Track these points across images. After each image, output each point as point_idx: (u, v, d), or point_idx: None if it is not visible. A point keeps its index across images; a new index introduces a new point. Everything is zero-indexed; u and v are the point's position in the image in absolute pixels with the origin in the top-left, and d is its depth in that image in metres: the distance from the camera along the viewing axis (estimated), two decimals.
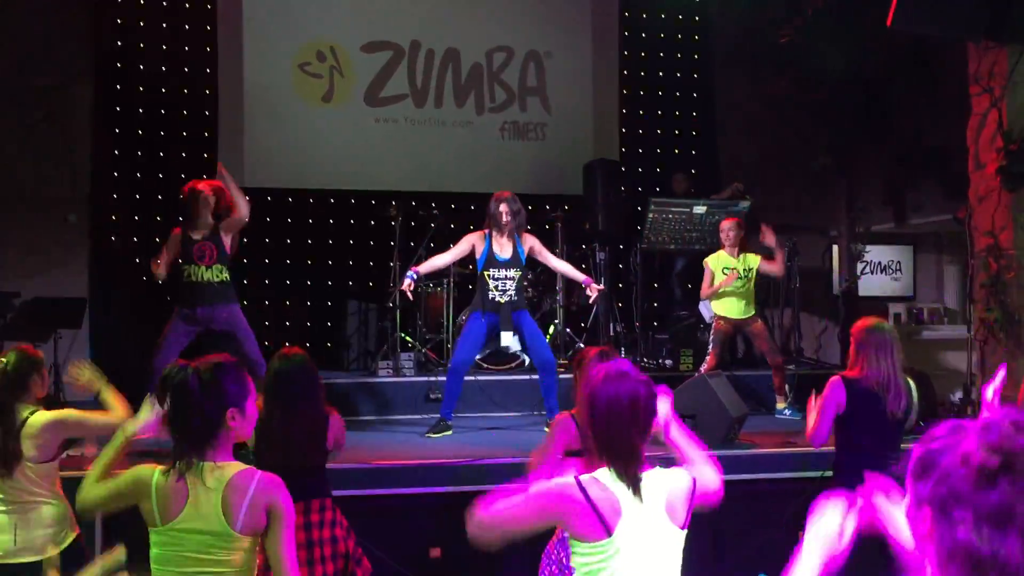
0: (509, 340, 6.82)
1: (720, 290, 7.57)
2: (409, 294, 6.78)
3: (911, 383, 4.47)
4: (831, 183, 9.98)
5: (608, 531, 2.51)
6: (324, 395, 4.28)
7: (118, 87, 9.38)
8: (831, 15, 8.34)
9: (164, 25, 9.54)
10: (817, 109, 9.44)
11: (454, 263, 7.26)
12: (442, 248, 8.80)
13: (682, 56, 11.00)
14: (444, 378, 7.72)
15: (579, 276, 7.01)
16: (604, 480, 2.57)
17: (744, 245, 7.73)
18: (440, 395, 7.56)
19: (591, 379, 2.69)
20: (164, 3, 9.49)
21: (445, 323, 8.55)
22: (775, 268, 7.70)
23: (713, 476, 2.79)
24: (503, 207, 6.71)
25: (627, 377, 2.63)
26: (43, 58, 8.91)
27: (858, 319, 4.61)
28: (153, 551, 2.71)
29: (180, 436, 2.73)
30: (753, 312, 7.66)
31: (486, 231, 6.82)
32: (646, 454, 2.62)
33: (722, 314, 7.63)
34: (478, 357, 7.64)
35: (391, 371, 8.02)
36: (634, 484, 2.55)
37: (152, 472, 2.71)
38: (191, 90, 9.60)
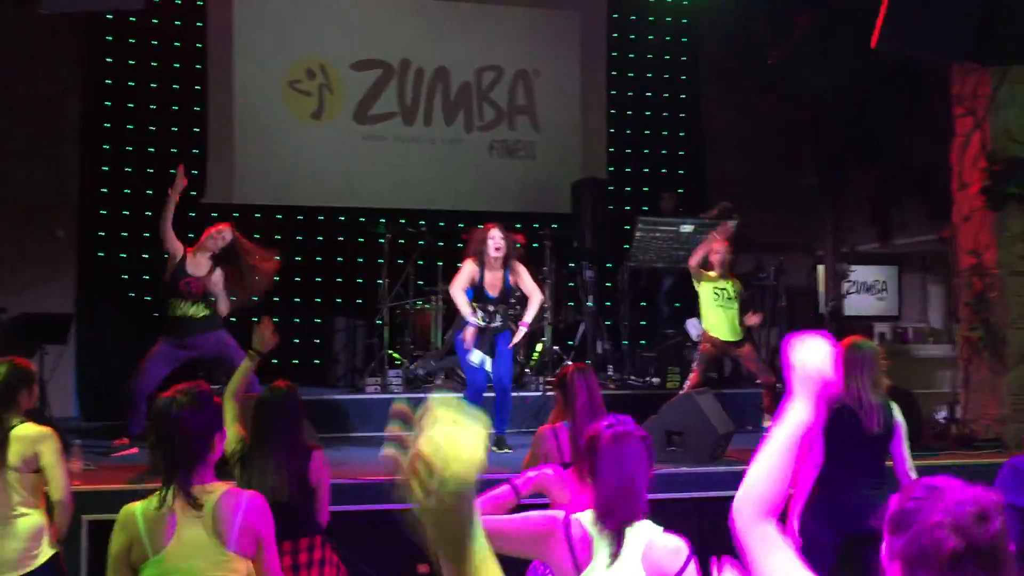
0: (476, 357, 6.76)
1: (706, 257, 7.54)
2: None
3: (890, 402, 4.48)
4: (817, 202, 10.04)
5: (578, 570, 2.57)
6: (305, 431, 4.25)
7: (107, 103, 9.39)
8: (818, 36, 8.44)
9: (154, 42, 9.55)
10: (804, 129, 9.53)
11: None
12: (431, 266, 8.88)
13: (670, 76, 11.09)
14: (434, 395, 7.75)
15: (529, 312, 6.88)
16: (587, 523, 2.63)
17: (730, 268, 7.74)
18: None
19: (598, 437, 2.72)
20: (154, 21, 9.48)
21: (432, 340, 8.55)
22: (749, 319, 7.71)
23: None
24: (496, 239, 6.67)
25: (633, 439, 2.70)
26: (33, 74, 8.90)
27: (844, 338, 4.63)
28: None
29: (171, 465, 2.75)
30: (741, 336, 7.62)
31: (475, 260, 6.78)
32: (643, 510, 2.66)
33: (712, 335, 7.62)
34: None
35: (379, 388, 8.02)
36: (617, 538, 2.59)
37: (134, 508, 2.73)
38: (181, 107, 9.62)
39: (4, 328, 8.20)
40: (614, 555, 2.56)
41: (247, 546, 2.71)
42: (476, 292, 6.75)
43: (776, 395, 7.71)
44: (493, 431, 6.86)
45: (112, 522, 4.96)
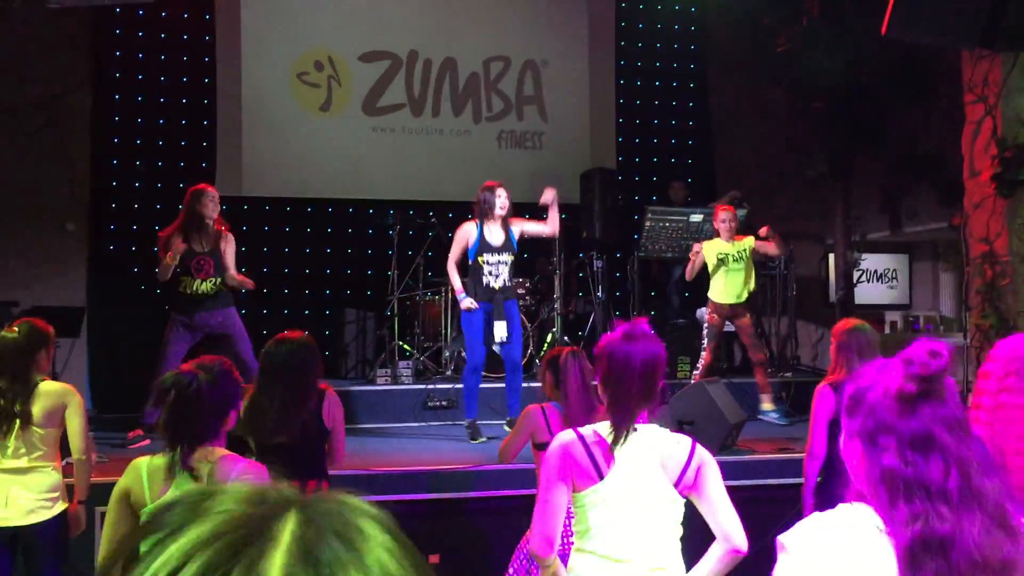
0: (501, 329, 6.79)
1: (697, 270, 7.57)
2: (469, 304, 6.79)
3: None
4: (827, 191, 10.01)
5: (600, 475, 2.65)
6: (318, 373, 4.05)
7: (116, 97, 9.42)
8: (826, 24, 8.39)
9: (162, 35, 9.57)
10: (813, 117, 9.49)
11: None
12: (440, 258, 8.87)
13: (678, 65, 11.07)
14: (443, 385, 7.79)
15: (549, 222, 7.07)
16: (602, 431, 2.71)
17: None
18: (440, 402, 7.59)
19: (609, 336, 2.80)
20: (163, 14, 9.51)
21: (443, 331, 8.56)
22: (771, 247, 7.58)
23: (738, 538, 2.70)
24: (503, 197, 6.82)
25: (645, 336, 2.75)
26: (42, 68, 8.94)
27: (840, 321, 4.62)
28: None
29: (180, 438, 2.82)
30: (746, 299, 7.62)
31: (476, 220, 6.87)
32: (648, 411, 2.73)
33: (716, 299, 7.59)
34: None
35: (389, 379, 8.04)
36: (624, 434, 2.68)
37: (143, 460, 2.87)
38: (189, 100, 9.64)
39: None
40: (617, 440, 2.66)
41: None
42: (480, 245, 6.79)
43: (767, 373, 7.72)
44: (509, 415, 6.90)
45: None
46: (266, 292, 9.61)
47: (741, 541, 2.66)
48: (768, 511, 5.65)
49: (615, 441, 2.67)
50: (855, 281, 10.15)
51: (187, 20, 9.66)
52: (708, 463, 2.71)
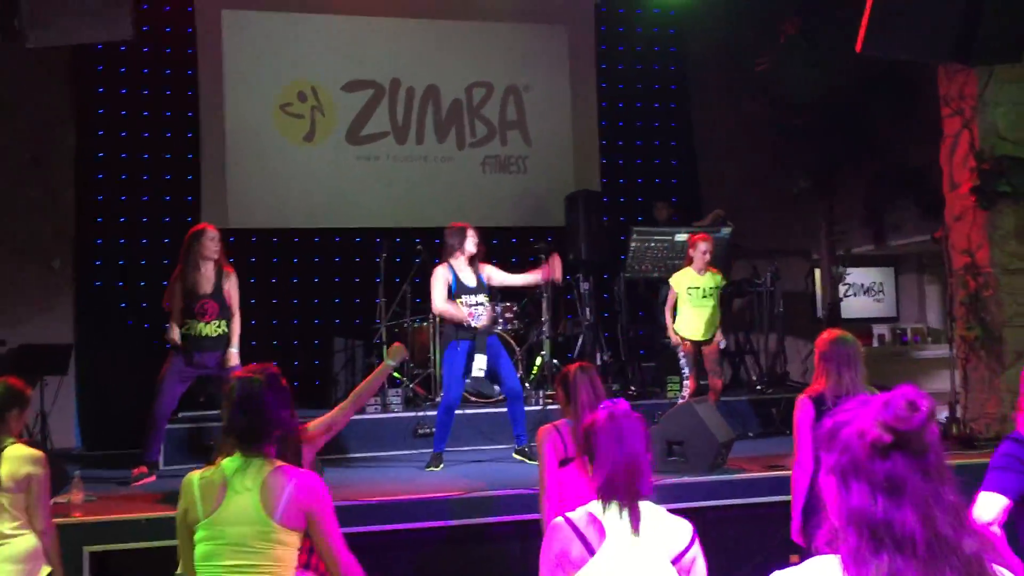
0: (481, 364, 6.81)
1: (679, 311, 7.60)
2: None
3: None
4: (811, 206, 10.07)
5: (591, 552, 2.61)
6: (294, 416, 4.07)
7: (100, 132, 9.44)
8: (804, 41, 8.47)
9: (145, 70, 9.61)
10: (795, 133, 9.56)
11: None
12: (428, 284, 8.91)
13: (660, 85, 11.14)
14: (432, 412, 7.77)
15: (533, 275, 7.15)
16: (593, 511, 2.67)
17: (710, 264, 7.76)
18: (429, 430, 7.57)
19: (594, 421, 2.78)
20: (144, 49, 9.54)
21: (432, 357, 8.56)
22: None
23: None
24: (474, 238, 6.94)
25: (630, 418, 2.75)
26: (25, 105, 8.97)
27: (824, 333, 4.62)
28: (197, 550, 2.84)
29: (243, 439, 2.90)
30: (711, 335, 7.67)
31: (447, 263, 6.95)
32: (647, 487, 2.70)
33: (686, 335, 7.65)
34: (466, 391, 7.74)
35: (379, 407, 8.02)
36: (633, 512, 2.64)
37: (194, 475, 2.91)
38: (173, 134, 9.66)
39: (4, 360, 8.22)
40: (635, 529, 2.61)
41: (294, 520, 2.83)
42: (457, 288, 6.86)
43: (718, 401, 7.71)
44: (516, 444, 6.92)
45: (114, 551, 5.00)
46: (254, 323, 9.58)
47: None
48: (760, 529, 5.68)
49: (635, 520, 2.64)
50: (842, 295, 10.20)
51: (169, 55, 9.69)
52: (701, 556, 2.70)
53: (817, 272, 10.64)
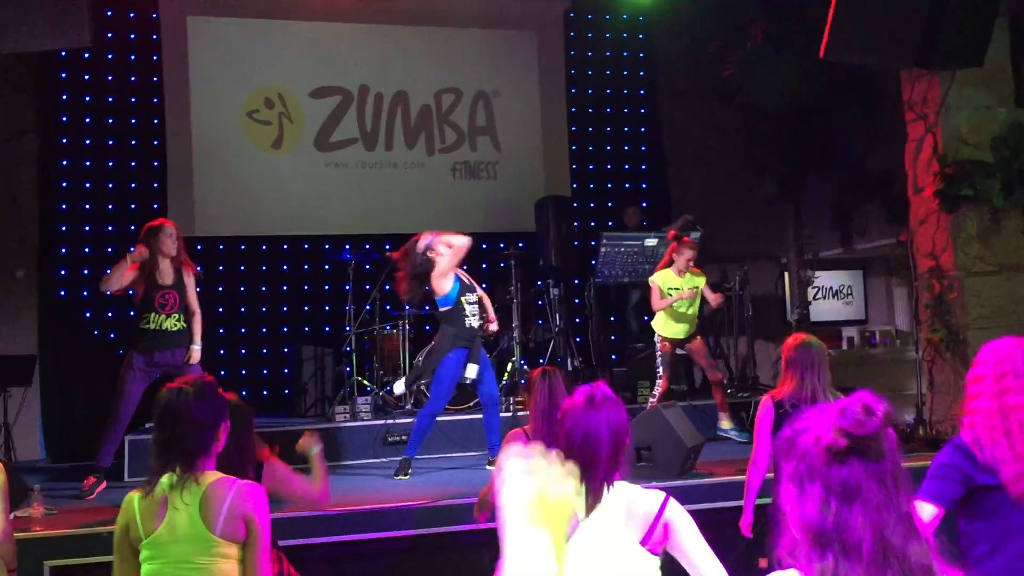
0: (473, 372, 6.81)
1: (673, 303, 7.58)
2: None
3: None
4: (780, 210, 10.13)
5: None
6: (255, 442, 3.85)
7: (64, 140, 9.33)
8: (770, 47, 8.51)
9: (109, 77, 9.52)
10: (763, 138, 9.61)
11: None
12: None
13: (629, 91, 11.17)
14: (402, 420, 7.73)
15: (489, 307, 7.11)
16: None
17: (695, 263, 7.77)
18: (399, 437, 7.53)
19: (571, 400, 2.75)
20: (109, 56, 9.46)
21: (402, 365, 8.52)
22: (711, 298, 7.71)
23: None
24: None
25: (607, 400, 2.71)
26: None
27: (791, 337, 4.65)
28: (143, 570, 2.79)
29: (172, 454, 2.82)
30: (694, 331, 7.70)
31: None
32: (616, 473, 2.67)
33: (665, 335, 7.66)
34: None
35: (348, 416, 7.97)
36: (595, 500, 2.61)
37: (133, 494, 2.85)
38: (139, 141, 9.57)
39: None
40: (590, 507, 2.59)
41: (234, 531, 2.77)
42: (460, 286, 6.85)
43: (725, 392, 7.76)
44: (490, 454, 6.87)
45: (75, 566, 4.92)
46: (222, 332, 9.52)
47: None
48: (729, 534, 5.67)
49: (588, 508, 2.61)
50: (811, 299, 10.26)
51: (134, 62, 9.61)
52: (679, 519, 2.62)
53: (787, 275, 10.70)
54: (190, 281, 6.55)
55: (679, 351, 7.82)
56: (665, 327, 7.65)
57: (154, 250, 6.38)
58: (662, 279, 7.64)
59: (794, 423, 1.62)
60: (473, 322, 6.83)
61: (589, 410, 2.69)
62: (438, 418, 7.68)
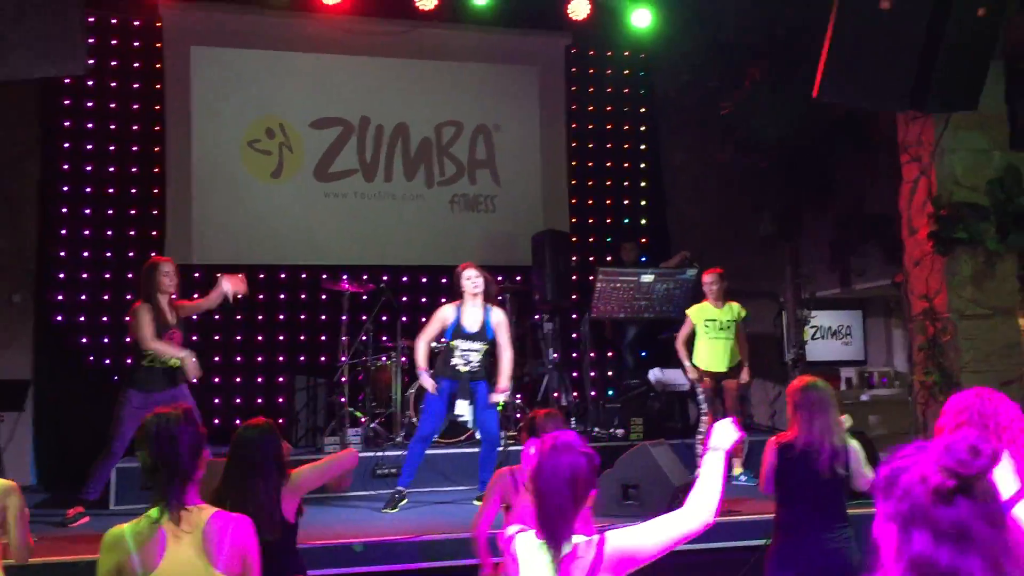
0: (464, 409, 6.79)
1: (707, 334, 7.66)
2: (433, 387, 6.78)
3: (855, 443, 4.44)
4: (777, 249, 10.12)
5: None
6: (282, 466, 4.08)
7: (65, 166, 9.39)
8: (768, 86, 8.56)
9: (112, 105, 9.59)
10: (760, 177, 9.63)
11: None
12: (394, 322, 8.88)
13: (629, 127, 11.23)
14: (393, 452, 7.69)
15: (504, 374, 6.90)
16: (529, 541, 2.67)
17: (727, 295, 7.83)
18: (389, 470, 7.49)
19: (541, 448, 2.76)
20: (112, 84, 9.54)
21: (394, 397, 8.50)
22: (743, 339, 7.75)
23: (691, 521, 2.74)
24: (472, 277, 6.85)
25: (571, 449, 2.71)
26: None
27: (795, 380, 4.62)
28: None
29: (166, 481, 2.78)
30: (728, 367, 7.71)
31: (457, 303, 6.90)
32: (578, 524, 2.66)
33: (704, 368, 7.71)
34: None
35: (338, 447, 7.94)
36: (556, 550, 2.60)
37: (122, 529, 2.75)
38: (140, 168, 9.62)
39: None
40: (557, 565, 2.58)
41: (235, 566, 2.76)
42: (455, 329, 6.80)
43: (743, 441, 7.71)
44: (480, 488, 6.79)
45: None
46: (217, 360, 9.52)
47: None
48: (715, 575, 5.62)
49: (554, 557, 2.60)
50: (808, 338, 10.21)
51: (137, 89, 9.69)
52: (621, 540, 2.63)
53: (784, 314, 10.66)
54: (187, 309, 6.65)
55: (684, 383, 7.82)
56: (700, 359, 7.72)
57: (154, 288, 6.39)
58: (696, 313, 7.71)
59: (890, 461, 1.60)
60: (461, 367, 6.79)
61: (552, 455, 2.69)
62: (428, 451, 7.67)
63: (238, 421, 8.24)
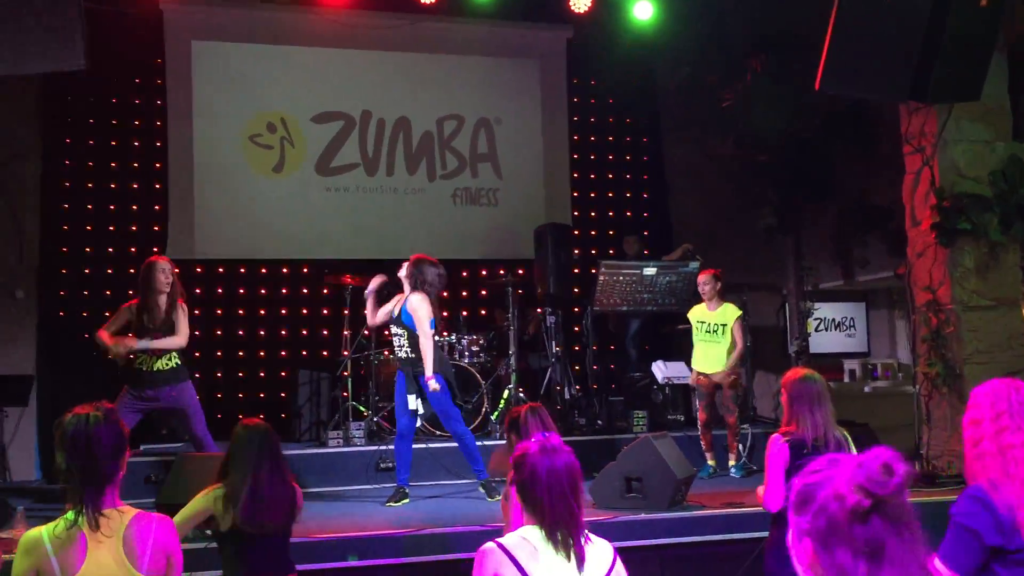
0: (414, 402, 6.73)
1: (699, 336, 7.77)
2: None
3: (846, 435, 4.42)
4: (780, 242, 10.10)
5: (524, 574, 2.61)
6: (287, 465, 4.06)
7: (67, 162, 9.39)
8: (769, 79, 8.53)
9: (113, 100, 9.59)
10: (762, 169, 9.61)
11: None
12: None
13: (631, 119, 11.21)
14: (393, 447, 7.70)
15: (426, 363, 6.68)
16: (529, 535, 2.66)
17: (722, 297, 7.84)
18: (391, 464, 7.49)
19: (526, 452, 2.76)
20: (114, 80, 9.53)
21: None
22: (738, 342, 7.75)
23: None
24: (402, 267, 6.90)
25: (561, 451, 2.74)
26: None
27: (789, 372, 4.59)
28: None
29: (84, 483, 2.69)
30: (719, 368, 7.69)
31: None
32: (584, 520, 2.72)
33: (697, 369, 7.79)
34: (427, 425, 7.75)
35: (341, 441, 7.94)
36: (575, 550, 2.64)
37: (39, 532, 2.67)
38: (141, 164, 9.63)
39: None
40: (567, 553, 2.62)
41: (158, 566, 2.73)
42: (394, 318, 6.81)
43: (737, 435, 7.72)
44: (479, 479, 6.82)
45: None
46: (220, 355, 9.53)
47: None
48: (719, 567, 5.61)
49: (565, 550, 2.64)
50: (811, 330, 10.20)
51: (138, 84, 9.69)
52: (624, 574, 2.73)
53: (787, 307, 10.64)
54: (179, 317, 6.45)
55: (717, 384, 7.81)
56: (694, 356, 7.86)
57: (149, 288, 6.37)
58: (693, 314, 7.79)
59: (805, 474, 1.60)
60: (398, 353, 6.79)
61: (544, 457, 2.71)
62: (431, 445, 7.69)
63: (240, 416, 8.28)
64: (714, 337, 7.70)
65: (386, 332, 7.23)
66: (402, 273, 6.85)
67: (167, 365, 6.42)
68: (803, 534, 1.57)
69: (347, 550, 5.47)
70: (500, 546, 2.64)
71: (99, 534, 2.65)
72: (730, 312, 7.75)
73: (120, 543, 2.66)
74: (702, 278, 7.88)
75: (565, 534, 2.64)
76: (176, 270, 6.58)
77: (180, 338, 6.42)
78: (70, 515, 2.67)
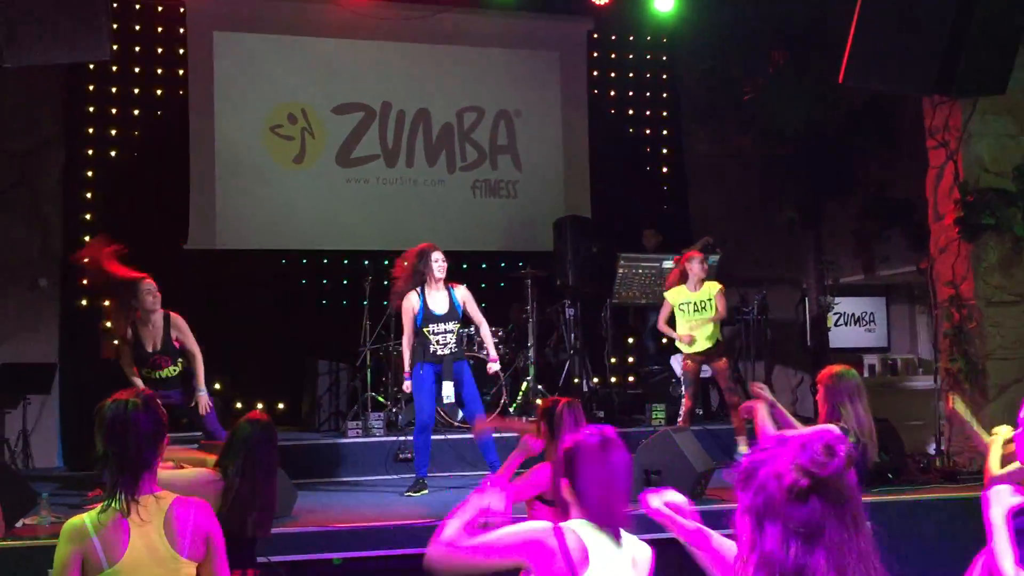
0: (450, 390, 6.75)
1: (680, 316, 7.64)
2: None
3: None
4: (800, 236, 10.05)
5: (572, 572, 2.53)
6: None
7: (89, 152, 9.44)
8: (791, 72, 8.49)
9: (136, 90, 9.64)
10: (783, 163, 9.55)
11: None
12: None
13: (651, 113, 11.17)
14: (412, 437, 7.72)
15: (489, 344, 6.98)
16: (581, 532, 2.58)
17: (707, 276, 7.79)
18: (410, 455, 7.51)
19: (583, 443, 2.69)
20: (136, 70, 9.58)
21: None
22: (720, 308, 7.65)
23: None
24: (440, 260, 6.76)
25: (618, 445, 2.69)
26: (13, 125, 8.96)
27: (823, 369, 4.60)
28: None
29: (124, 469, 2.70)
30: (715, 344, 7.64)
31: (416, 290, 6.77)
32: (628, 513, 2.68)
33: (688, 351, 7.67)
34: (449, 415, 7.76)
35: (360, 431, 7.97)
36: (617, 542, 2.61)
37: (82, 519, 2.67)
38: (163, 154, 9.66)
39: None
40: (615, 556, 2.58)
41: (199, 551, 2.75)
42: (424, 315, 6.70)
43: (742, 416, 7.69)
44: (491, 471, 6.81)
45: None
46: (240, 344, 9.56)
47: None
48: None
49: (603, 546, 2.60)
50: (832, 324, 10.15)
51: (161, 75, 9.73)
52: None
53: (807, 301, 10.59)
54: (179, 331, 6.43)
55: (705, 371, 7.78)
56: (681, 343, 7.67)
57: (140, 309, 6.35)
58: (674, 295, 7.65)
59: (754, 452, 1.59)
60: (440, 351, 6.72)
61: (603, 451, 2.65)
62: (450, 436, 7.71)
63: (260, 406, 8.32)
64: (702, 314, 7.59)
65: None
66: (440, 273, 6.75)
67: (174, 372, 6.45)
68: (744, 511, 1.57)
69: (365, 540, 5.50)
70: (557, 531, 2.55)
71: (141, 520, 2.66)
72: (713, 286, 7.68)
73: (161, 527, 2.69)
74: (696, 258, 7.72)
75: (616, 530, 2.61)
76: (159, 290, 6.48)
77: (199, 355, 6.46)
78: (111, 501, 2.68)
